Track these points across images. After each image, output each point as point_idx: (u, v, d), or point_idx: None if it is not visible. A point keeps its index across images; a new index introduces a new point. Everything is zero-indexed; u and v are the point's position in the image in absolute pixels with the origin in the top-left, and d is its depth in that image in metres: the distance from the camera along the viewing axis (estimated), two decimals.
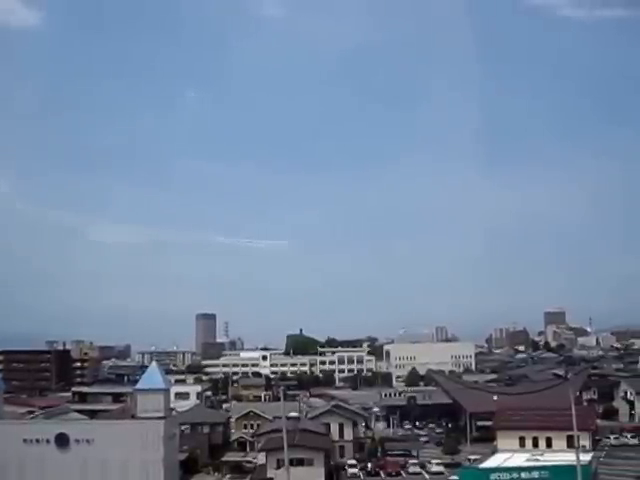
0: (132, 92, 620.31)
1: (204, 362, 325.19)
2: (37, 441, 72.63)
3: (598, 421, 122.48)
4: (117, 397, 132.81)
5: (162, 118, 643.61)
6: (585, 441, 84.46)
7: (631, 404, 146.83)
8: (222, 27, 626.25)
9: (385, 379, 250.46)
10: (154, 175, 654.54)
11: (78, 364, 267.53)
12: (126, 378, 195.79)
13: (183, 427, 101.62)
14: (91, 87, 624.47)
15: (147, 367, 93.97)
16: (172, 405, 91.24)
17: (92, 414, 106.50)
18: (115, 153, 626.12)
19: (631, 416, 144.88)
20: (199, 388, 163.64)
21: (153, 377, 78.82)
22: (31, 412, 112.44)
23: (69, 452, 71.92)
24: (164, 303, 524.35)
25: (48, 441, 72.36)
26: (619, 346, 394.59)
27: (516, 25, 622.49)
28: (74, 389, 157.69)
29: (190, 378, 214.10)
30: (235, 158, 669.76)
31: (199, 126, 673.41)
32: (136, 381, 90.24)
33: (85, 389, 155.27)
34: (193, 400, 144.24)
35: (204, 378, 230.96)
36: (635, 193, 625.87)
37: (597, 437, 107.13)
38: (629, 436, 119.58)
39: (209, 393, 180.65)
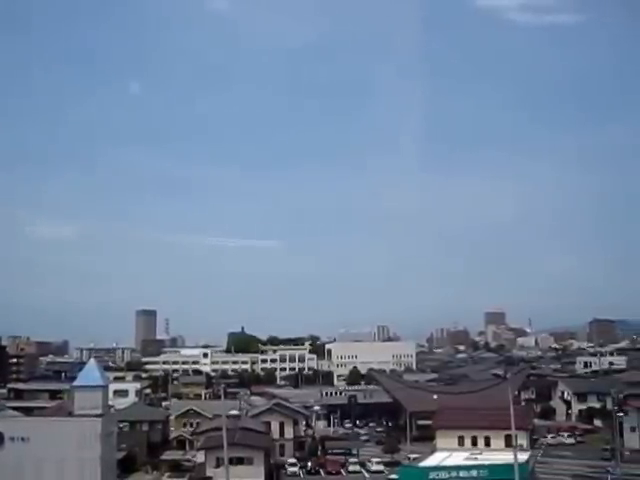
0: (71, 83, 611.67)
1: (144, 359, 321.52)
2: None
3: (536, 420, 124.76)
4: (54, 394, 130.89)
5: (101, 110, 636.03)
6: (523, 440, 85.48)
7: (568, 404, 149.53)
8: (165, 19, 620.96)
9: (326, 378, 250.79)
10: (93, 169, 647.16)
11: (14, 360, 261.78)
12: (63, 375, 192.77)
13: (121, 425, 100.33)
14: (27, 79, 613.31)
15: (85, 364, 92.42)
16: (110, 403, 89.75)
17: (28, 411, 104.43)
18: (52, 147, 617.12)
19: (568, 416, 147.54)
20: (138, 385, 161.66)
21: (91, 374, 77.44)
22: None
23: (3, 450, 70.13)
24: (104, 299, 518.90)
25: None
26: (557, 347, 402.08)
27: (464, 28, 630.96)
28: (10, 386, 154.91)
29: (129, 375, 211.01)
30: (179, 152, 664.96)
31: (138, 118, 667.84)
32: (74, 378, 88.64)
33: (21, 386, 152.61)
34: (132, 398, 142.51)
35: (144, 375, 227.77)
36: (573, 196, 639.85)
37: (534, 436, 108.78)
38: (565, 435, 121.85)
39: (148, 391, 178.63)
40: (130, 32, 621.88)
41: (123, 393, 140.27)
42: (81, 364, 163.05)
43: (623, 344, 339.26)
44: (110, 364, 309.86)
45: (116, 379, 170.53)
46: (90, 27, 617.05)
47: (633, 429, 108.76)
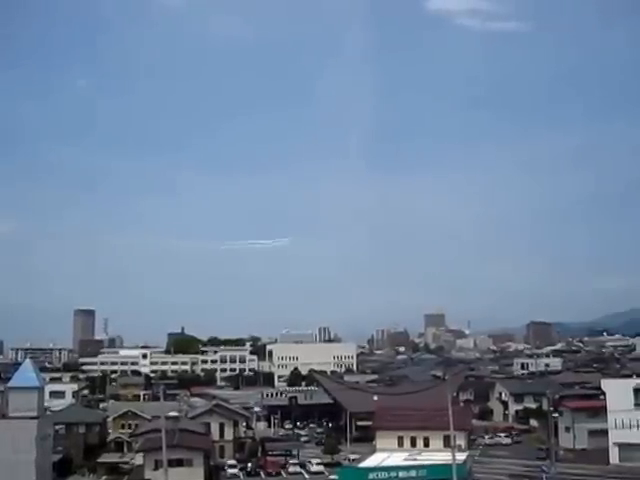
0: (19, 79, 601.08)
1: (81, 360, 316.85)
2: None
3: (474, 421, 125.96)
4: None
5: (49, 106, 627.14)
6: (461, 440, 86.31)
7: (505, 405, 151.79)
8: (120, 15, 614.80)
9: (267, 379, 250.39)
10: (32, 165, 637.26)
11: None
12: None
13: (57, 427, 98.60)
14: None
15: (21, 364, 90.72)
16: (46, 404, 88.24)
17: None
18: None
19: (505, 416, 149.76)
20: (75, 387, 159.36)
21: (26, 374, 76.13)
22: None
23: None
24: (41, 298, 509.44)
25: None
26: (495, 348, 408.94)
27: (413, 29, 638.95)
28: None
29: (66, 376, 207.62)
30: (112, 146, 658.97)
31: (84, 115, 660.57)
32: (8, 379, 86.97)
33: None
34: (69, 399, 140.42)
35: (81, 376, 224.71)
36: (511, 200, 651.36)
37: (472, 437, 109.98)
38: (502, 435, 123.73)
39: (86, 392, 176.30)
40: (77, 30, 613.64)
41: (59, 394, 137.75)
42: (16, 365, 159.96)
43: (559, 346, 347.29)
44: (46, 365, 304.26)
45: (52, 380, 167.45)
46: (34, 22, 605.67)
47: (567, 429, 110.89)
